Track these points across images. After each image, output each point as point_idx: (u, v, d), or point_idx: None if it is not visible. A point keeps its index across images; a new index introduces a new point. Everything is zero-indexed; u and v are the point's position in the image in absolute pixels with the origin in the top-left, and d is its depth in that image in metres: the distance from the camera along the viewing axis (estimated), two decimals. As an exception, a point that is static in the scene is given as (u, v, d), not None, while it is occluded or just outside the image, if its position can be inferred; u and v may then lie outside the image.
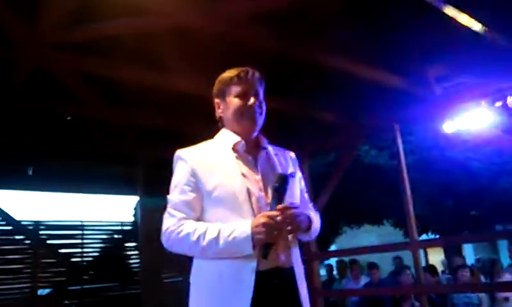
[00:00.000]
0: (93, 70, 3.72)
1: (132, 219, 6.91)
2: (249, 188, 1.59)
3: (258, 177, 1.65)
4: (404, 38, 3.74)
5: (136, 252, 6.37)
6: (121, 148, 5.12)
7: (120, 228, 6.62)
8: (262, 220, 1.49)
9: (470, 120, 4.62)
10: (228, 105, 1.72)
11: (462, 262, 6.67)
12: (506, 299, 4.87)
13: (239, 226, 1.51)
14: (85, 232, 6.15)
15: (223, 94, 1.74)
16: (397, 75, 4.17)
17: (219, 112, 1.77)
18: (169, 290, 5.35)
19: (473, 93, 4.35)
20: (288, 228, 1.55)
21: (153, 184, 5.19)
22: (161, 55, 3.70)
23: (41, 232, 5.80)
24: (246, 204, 1.57)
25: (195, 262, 1.64)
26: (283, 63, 3.93)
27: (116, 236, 6.53)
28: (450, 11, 3.11)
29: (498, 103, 4.34)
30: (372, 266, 6.05)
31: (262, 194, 1.61)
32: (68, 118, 4.90)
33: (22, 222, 5.74)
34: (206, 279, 1.58)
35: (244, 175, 1.62)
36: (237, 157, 1.67)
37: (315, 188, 5.66)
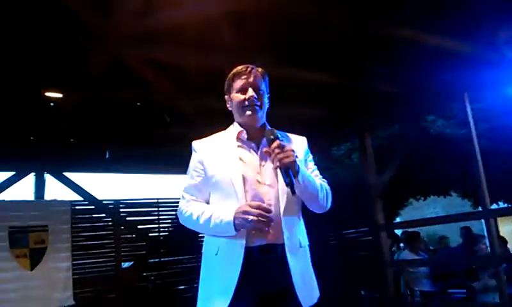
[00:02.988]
0: (162, 58, 3.93)
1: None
2: (245, 174, 1.76)
3: (258, 161, 1.81)
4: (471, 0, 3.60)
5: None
6: (189, 130, 5.35)
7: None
8: (244, 208, 1.67)
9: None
10: (233, 99, 1.89)
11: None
12: None
13: (225, 210, 1.71)
14: (161, 209, 6.56)
15: (229, 91, 1.93)
16: (464, 39, 4.02)
17: (228, 106, 1.96)
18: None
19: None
20: (279, 157, 1.66)
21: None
22: (224, 39, 3.80)
23: (121, 210, 6.25)
24: (240, 188, 1.73)
25: (204, 237, 1.87)
26: (344, 37, 3.92)
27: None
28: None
29: None
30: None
31: (259, 176, 1.78)
32: (138, 104, 5.20)
33: (104, 202, 6.21)
34: (208, 253, 1.80)
35: (242, 160, 1.80)
36: (239, 146, 1.85)
37: (379, 161, 5.62)
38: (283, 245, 1.71)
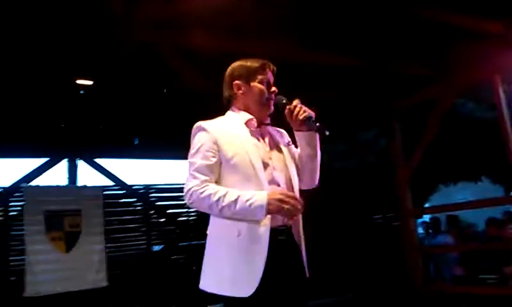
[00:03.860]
0: (190, 44, 3.94)
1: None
2: (264, 159, 1.83)
3: (267, 148, 1.91)
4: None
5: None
6: (213, 117, 5.38)
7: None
8: (280, 196, 1.71)
9: None
10: (252, 88, 1.93)
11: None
12: None
13: (256, 194, 1.71)
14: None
15: (246, 78, 1.94)
16: (494, 19, 3.89)
17: (238, 92, 1.95)
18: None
19: None
20: (304, 110, 1.85)
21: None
22: (250, 23, 3.78)
23: (151, 195, 6.41)
24: (261, 172, 1.79)
25: (214, 219, 1.84)
26: (373, 19, 3.85)
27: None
28: None
29: None
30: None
31: (271, 161, 1.87)
32: (164, 91, 5.26)
33: (134, 187, 6.37)
34: (226, 236, 1.76)
35: (256, 146, 1.86)
36: (250, 132, 1.90)
37: (408, 146, 5.55)
38: (295, 225, 1.86)
